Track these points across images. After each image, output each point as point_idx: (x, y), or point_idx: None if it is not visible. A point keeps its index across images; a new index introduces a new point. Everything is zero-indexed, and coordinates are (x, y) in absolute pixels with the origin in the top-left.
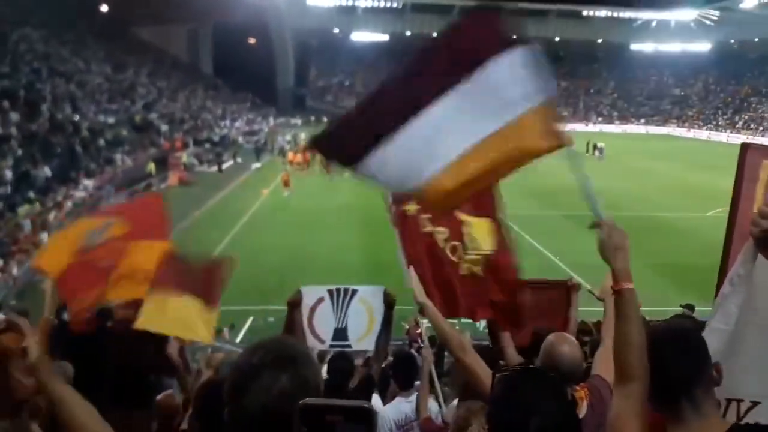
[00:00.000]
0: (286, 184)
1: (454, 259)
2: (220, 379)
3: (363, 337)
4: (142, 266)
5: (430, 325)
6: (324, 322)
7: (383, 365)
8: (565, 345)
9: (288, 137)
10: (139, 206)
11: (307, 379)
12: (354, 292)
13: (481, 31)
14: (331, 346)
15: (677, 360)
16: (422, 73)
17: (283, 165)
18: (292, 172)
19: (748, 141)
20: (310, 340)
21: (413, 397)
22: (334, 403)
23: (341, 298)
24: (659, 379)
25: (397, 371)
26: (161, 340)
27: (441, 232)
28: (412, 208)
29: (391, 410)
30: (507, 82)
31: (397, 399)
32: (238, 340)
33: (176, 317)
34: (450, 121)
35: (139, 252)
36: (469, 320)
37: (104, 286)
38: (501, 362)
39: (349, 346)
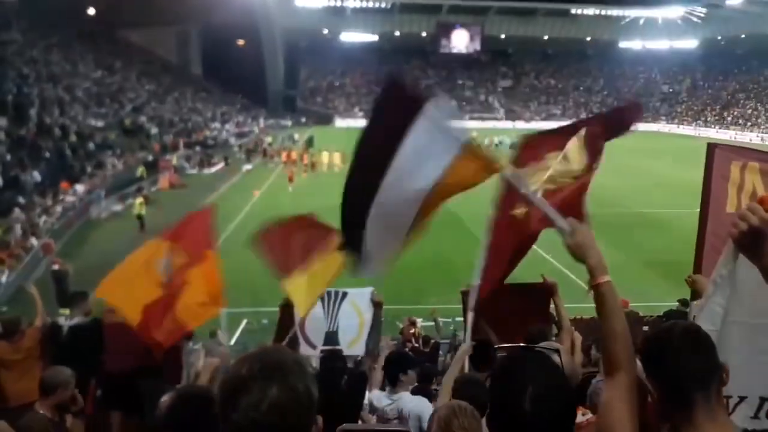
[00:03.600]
0: (290, 179)
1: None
2: (196, 387)
3: (354, 342)
4: (204, 291)
5: (425, 324)
6: (315, 326)
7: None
8: (563, 356)
9: (269, 139)
10: (189, 223)
11: (298, 389)
12: (344, 294)
13: (396, 102)
14: (323, 351)
15: (694, 360)
16: (373, 146)
17: (271, 166)
18: (296, 172)
19: (713, 141)
20: (303, 347)
21: (398, 396)
22: (373, 428)
23: (332, 301)
24: (674, 379)
25: (388, 367)
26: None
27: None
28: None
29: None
30: (427, 145)
31: (380, 393)
32: (232, 342)
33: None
34: (398, 190)
35: (199, 278)
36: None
37: (176, 319)
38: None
39: (340, 351)
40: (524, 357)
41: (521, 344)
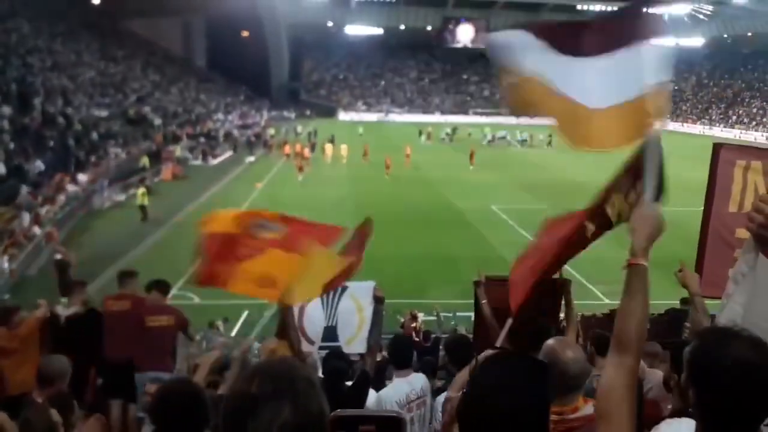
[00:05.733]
0: (300, 169)
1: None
2: (184, 382)
3: (353, 339)
4: (271, 272)
5: (426, 318)
6: (314, 321)
7: (378, 359)
8: (569, 350)
9: (272, 131)
10: (315, 229)
11: (311, 410)
12: (344, 288)
13: (632, 22)
14: (321, 348)
15: (760, 387)
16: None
17: (272, 158)
18: (305, 163)
19: (720, 141)
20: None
21: (411, 377)
22: (367, 413)
23: (331, 295)
24: (728, 403)
25: (393, 352)
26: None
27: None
28: None
29: (391, 391)
30: (633, 67)
31: (396, 380)
32: (233, 334)
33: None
34: (596, 75)
35: (278, 259)
36: (465, 314)
37: (231, 274)
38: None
39: (339, 347)
40: (502, 367)
41: (506, 349)
